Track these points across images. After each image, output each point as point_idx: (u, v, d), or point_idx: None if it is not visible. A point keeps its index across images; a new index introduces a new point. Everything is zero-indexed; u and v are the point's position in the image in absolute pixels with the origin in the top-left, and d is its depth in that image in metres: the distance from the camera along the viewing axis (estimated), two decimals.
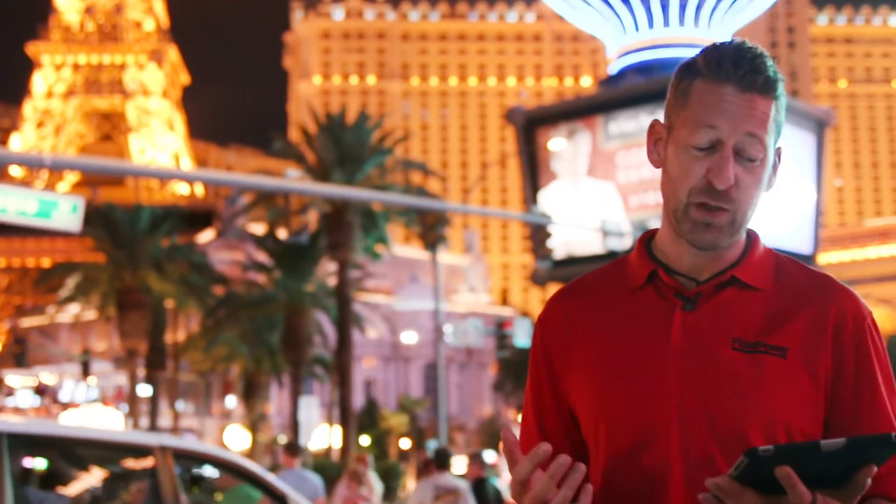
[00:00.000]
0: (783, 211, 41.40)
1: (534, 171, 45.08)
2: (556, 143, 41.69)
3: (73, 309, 48.82)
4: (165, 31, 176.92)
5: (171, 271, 42.29)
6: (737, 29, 51.20)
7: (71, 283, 44.04)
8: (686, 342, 1.85)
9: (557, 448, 1.86)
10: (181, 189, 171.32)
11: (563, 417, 1.96)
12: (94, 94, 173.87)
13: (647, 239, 1.99)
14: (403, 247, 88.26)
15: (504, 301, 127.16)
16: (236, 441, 55.25)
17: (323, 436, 47.45)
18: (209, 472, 8.56)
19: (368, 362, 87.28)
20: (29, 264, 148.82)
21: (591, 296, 1.98)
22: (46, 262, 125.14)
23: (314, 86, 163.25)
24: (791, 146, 40.39)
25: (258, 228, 44.10)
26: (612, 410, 1.87)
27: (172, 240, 44.57)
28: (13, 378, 69.08)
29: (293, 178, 33.93)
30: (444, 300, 44.44)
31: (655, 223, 2.01)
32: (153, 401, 48.15)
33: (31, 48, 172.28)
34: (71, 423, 41.50)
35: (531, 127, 45.42)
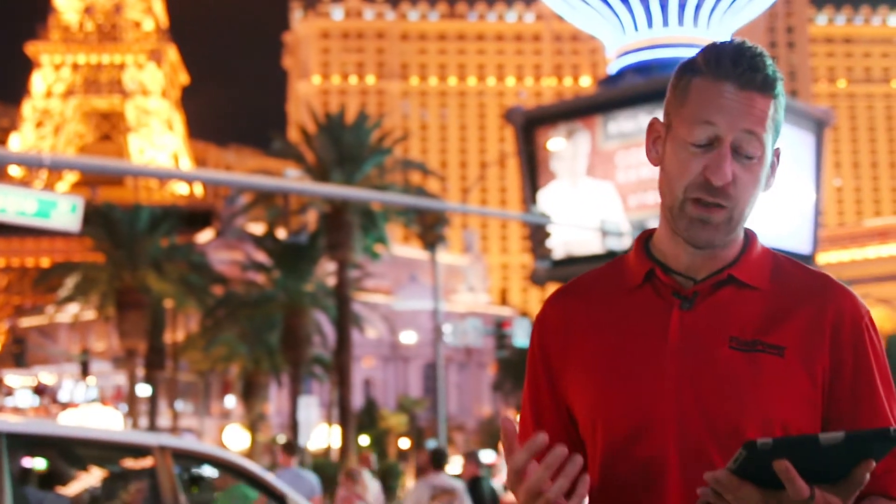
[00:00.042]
0: (782, 211, 41.38)
1: (533, 171, 45.06)
2: (556, 143, 41.68)
3: (73, 309, 48.80)
4: (164, 31, 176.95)
5: (170, 271, 42.29)
6: (736, 29, 51.18)
7: (70, 282, 44.03)
8: (683, 341, 1.85)
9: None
10: (180, 189, 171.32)
11: (561, 416, 1.96)
12: (93, 94, 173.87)
13: (644, 238, 2.00)
14: (402, 247, 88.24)
15: (503, 301, 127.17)
16: (235, 441, 55.26)
17: (322, 436, 47.46)
18: (208, 471, 8.56)
19: (368, 362, 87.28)
20: (28, 264, 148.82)
21: (588, 295, 1.98)
22: (45, 262, 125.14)
23: (313, 86, 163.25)
24: (790, 146, 40.37)
25: (257, 228, 44.09)
26: (609, 409, 1.87)
27: (171, 240, 44.57)
28: (12, 378, 69.05)
29: (292, 178, 33.92)
30: (443, 300, 44.44)
31: (654, 223, 2.00)
32: (152, 401, 48.15)
33: (31, 48, 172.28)
34: (70, 423, 41.50)
35: (530, 127, 45.39)
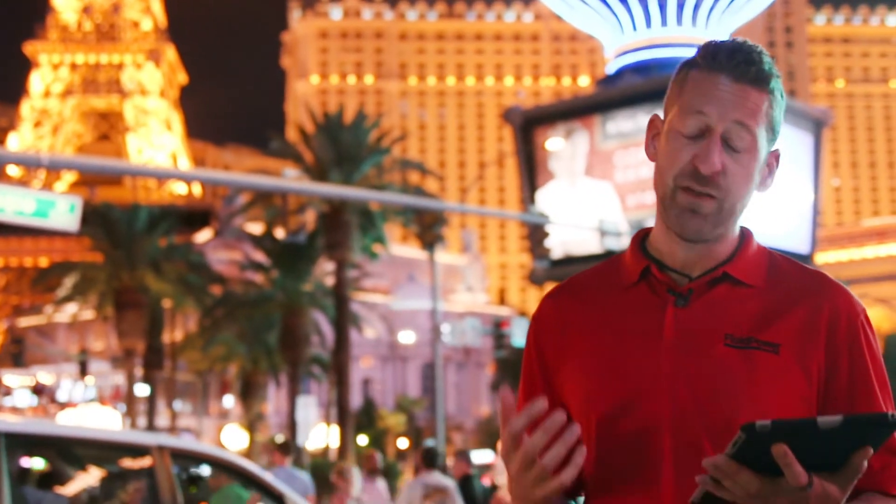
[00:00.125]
0: (781, 211, 41.40)
1: (531, 171, 45.05)
2: (554, 143, 41.68)
3: (71, 308, 48.79)
4: (163, 31, 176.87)
5: (168, 271, 42.28)
6: (734, 28, 51.19)
7: (68, 282, 44.02)
8: (678, 338, 1.86)
9: None
10: (179, 188, 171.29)
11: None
12: (91, 94, 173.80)
13: (641, 237, 2.00)
14: (401, 246, 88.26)
15: (502, 301, 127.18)
16: (234, 441, 55.22)
17: (320, 435, 47.45)
18: (207, 471, 8.56)
19: (366, 362, 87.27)
20: (26, 264, 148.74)
21: (585, 293, 1.99)
22: (44, 262, 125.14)
23: (312, 85, 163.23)
24: (788, 146, 40.35)
25: (256, 228, 44.09)
26: (604, 406, 1.87)
27: (170, 239, 44.56)
28: (11, 378, 69.02)
29: (291, 178, 33.91)
30: (441, 300, 44.45)
31: (653, 223, 2.01)
32: (151, 400, 48.14)
33: (29, 47, 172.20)
34: (68, 422, 41.49)
35: (529, 126, 45.38)
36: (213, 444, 48.79)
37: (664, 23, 48.38)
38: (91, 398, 64.56)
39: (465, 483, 11.95)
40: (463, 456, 12.94)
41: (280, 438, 31.23)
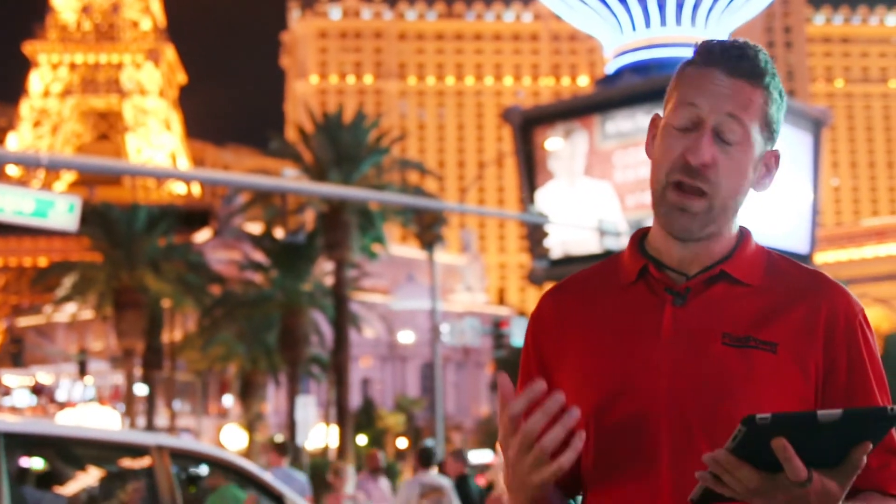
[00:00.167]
0: (780, 210, 41.42)
1: (530, 171, 45.06)
2: (553, 143, 41.69)
3: (70, 308, 48.77)
4: (162, 31, 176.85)
5: (167, 271, 42.28)
6: (734, 28, 51.22)
7: (68, 282, 44.00)
8: (676, 337, 1.86)
9: None
10: (178, 188, 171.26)
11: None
12: (90, 94, 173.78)
13: (640, 237, 2.00)
14: (400, 246, 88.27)
15: (501, 300, 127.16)
16: (233, 440, 55.19)
17: (320, 435, 47.45)
18: (206, 471, 8.56)
19: (365, 362, 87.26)
20: (25, 264, 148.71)
21: (583, 292, 1.99)
22: (43, 262, 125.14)
23: (311, 85, 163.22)
24: (788, 146, 40.38)
25: (255, 228, 44.08)
26: (602, 404, 1.87)
27: (169, 239, 44.55)
28: (10, 377, 69.01)
29: (290, 178, 33.91)
30: (440, 300, 44.46)
31: (652, 222, 2.00)
32: (150, 400, 48.13)
33: (28, 47, 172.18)
34: (68, 422, 41.48)
35: (528, 126, 45.39)
36: (213, 443, 48.78)
37: (663, 23, 48.40)
38: (90, 398, 64.54)
39: (461, 483, 12.00)
40: (458, 456, 13.00)
41: (280, 438, 31.21)
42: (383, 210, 34.73)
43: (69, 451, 7.56)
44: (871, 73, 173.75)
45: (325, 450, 43.83)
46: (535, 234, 32.94)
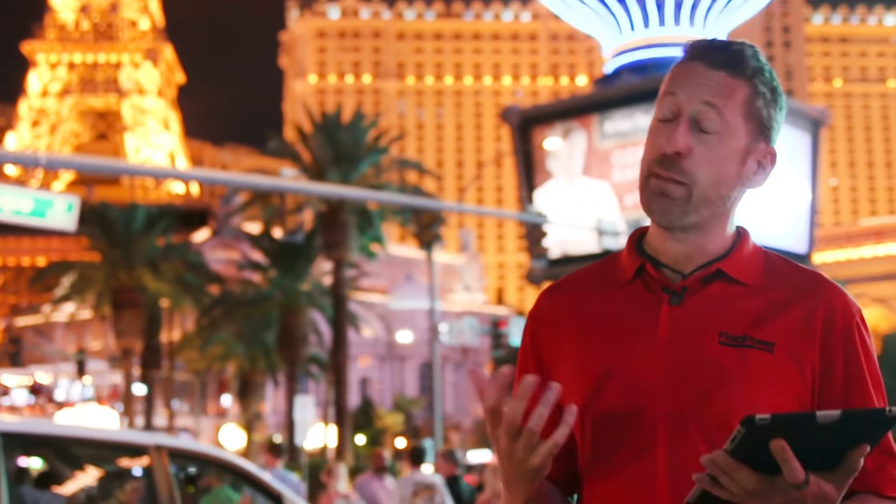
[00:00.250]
0: (778, 210, 41.44)
1: (529, 171, 45.08)
2: (552, 143, 41.71)
3: (69, 308, 48.77)
4: (161, 30, 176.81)
5: (166, 270, 42.27)
6: (732, 28, 51.25)
7: (66, 282, 44.00)
8: (673, 336, 1.86)
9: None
10: (176, 188, 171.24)
11: (551, 410, 1.96)
12: (89, 93, 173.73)
13: (637, 236, 2.01)
14: (399, 246, 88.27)
15: (499, 300, 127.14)
16: (232, 440, 55.17)
17: (318, 435, 47.44)
18: (205, 471, 8.56)
19: (364, 361, 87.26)
20: (24, 263, 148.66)
21: (580, 291, 2.00)
22: (42, 262, 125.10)
23: (310, 85, 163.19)
24: (786, 146, 40.36)
25: (253, 227, 44.08)
26: (599, 403, 1.88)
27: (168, 239, 44.55)
28: (8, 377, 69.01)
29: (288, 178, 33.92)
30: (439, 299, 44.43)
31: (650, 222, 2.01)
32: (148, 400, 48.12)
33: (27, 47, 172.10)
34: (66, 422, 41.45)
35: (527, 126, 45.40)
36: (211, 443, 48.77)
37: (662, 22, 48.42)
38: (89, 398, 64.51)
39: (452, 483, 12.09)
40: (449, 456, 13.07)
41: (278, 438, 31.23)
42: (382, 210, 34.74)
43: (68, 451, 7.57)
44: (869, 73, 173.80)
45: (324, 449, 43.82)
46: (533, 234, 32.96)
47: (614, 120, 43.64)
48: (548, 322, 1.99)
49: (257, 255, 42.59)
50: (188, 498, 7.63)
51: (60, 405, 65.99)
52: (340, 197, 29.20)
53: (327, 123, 35.75)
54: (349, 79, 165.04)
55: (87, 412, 52.24)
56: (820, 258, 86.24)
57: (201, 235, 77.71)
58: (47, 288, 49.06)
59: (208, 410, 72.70)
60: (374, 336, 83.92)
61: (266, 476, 7.97)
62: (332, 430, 39.15)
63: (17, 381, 69.66)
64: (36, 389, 69.67)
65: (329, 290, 37.13)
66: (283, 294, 38.78)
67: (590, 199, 42.77)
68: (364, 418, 65.46)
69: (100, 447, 7.46)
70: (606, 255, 2.06)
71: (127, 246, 42.15)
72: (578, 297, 1.98)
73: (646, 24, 48.51)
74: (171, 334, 49.49)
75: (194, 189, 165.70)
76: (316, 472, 27.87)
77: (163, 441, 7.26)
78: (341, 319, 34.73)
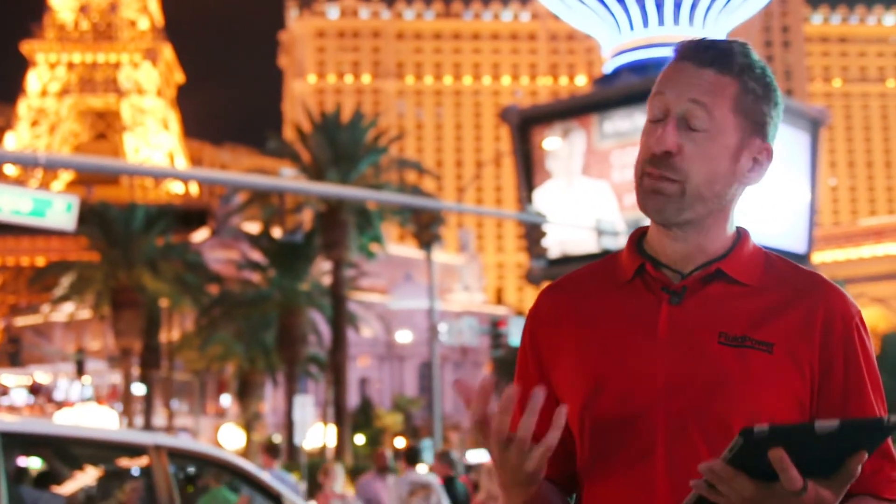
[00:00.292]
0: (778, 210, 41.45)
1: (528, 170, 45.09)
2: (551, 142, 41.72)
3: (68, 308, 48.77)
4: (160, 30, 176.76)
5: (165, 270, 42.27)
6: (731, 28, 51.28)
7: (65, 281, 44.00)
8: (672, 336, 1.86)
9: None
10: (176, 188, 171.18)
11: (551, 410, 1.96)
12: (88, 93, 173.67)
13: (637, 236, 2.01)
14: (398, 246, 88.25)
15: (499, 300, 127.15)
16: (231, 440, 55.17)
17: (318, 435, 47.44)
18: (204, 471, 8.55)
19: (363, 361, 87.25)
20: (23, 263, 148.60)
21: (580, 290, 2.00)
22: (41, 261, 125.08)
23: (309, 84, 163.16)
24: (785, 145, 40.40)
25: (253, 227, 44.08)
26: (599, 403, 1.88)
27: (167, 239, 44.55)
28: (7, 377, 69.01)
29: (288, 177, 33.94)
30: (438, 299, 44.44)
31: (649, 222, 2.01)
32: (148, 400, 48.12)
33: (26, 46, 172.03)
34: (65, 422, 41.44)
35: (526, 126, 45.42)
36: (210, 443, 48.77)
37: (661, 22, 48.44)
38: (88, 397, 64.48)
39: (448, 484, 12.12)
40: (445, 457, 13.11)
41: (277, 438, 31.22)
42: (381, 209, 34.75)
43: (67, 451, 7.57)
44: (868, 73, 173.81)
45: (323, 449, 43.81)
46: (532, 234, 32.95)
47: (613, 120, 43.66)
48: (547, 321, 1.99)
49: (256, 255, 42.59)
50: (187, 498, 7.63)
51: (59, 405, 66.00)
52: (340, 197, 29.21)
53: (326, 123, 35.76)
54: (348, 79, 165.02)
55: (86, 412, 52.24)
56: (819, 258, 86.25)
57: (200, 235, 77.71)
58: (46, 288, 49.07)
59: (207, 410, 72.69)
60: (374, 336, 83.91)
61: (265, 476, 7.96)
62: (332, 429, 39.16)
63: (16, 380, 69.67)
64: (35, 389, 69.68)
65: (328, 290, 37.14)
66: (283, 294, 38.78)
67: (589, 198, 42.79)
68: (363, 418, 65.45)
69: (99, 447, 7.46)
70: (606, 255, 2.06)
71: (126, 246, 42.15)
72: (578, 296, 1.98)
73: (645, 23, 48.53)
74: (170, 334, 49.50)
75: (193, 189, 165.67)
76: (315, 472, 27.88)
77: (162, 441, 7.26)
78: (340, 319, 34.74)
